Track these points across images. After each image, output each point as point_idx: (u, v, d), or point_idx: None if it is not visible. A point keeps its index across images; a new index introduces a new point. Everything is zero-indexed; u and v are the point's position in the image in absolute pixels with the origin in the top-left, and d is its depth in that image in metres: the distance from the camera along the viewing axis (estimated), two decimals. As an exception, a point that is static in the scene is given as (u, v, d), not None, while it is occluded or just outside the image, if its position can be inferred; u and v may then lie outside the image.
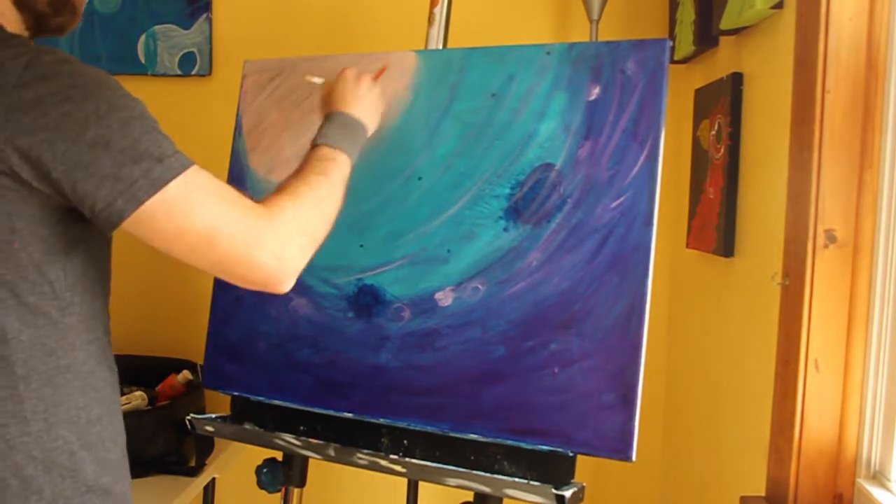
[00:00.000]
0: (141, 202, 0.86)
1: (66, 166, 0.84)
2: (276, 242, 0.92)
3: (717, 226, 1.46)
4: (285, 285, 0.95)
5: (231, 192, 0.93)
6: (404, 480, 1.53)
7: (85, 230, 0.92)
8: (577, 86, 1.19)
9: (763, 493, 1.18)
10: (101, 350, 0.98)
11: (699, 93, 1.61)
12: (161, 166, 0.87)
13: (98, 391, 0.96)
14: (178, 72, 1.96)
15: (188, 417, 1.40)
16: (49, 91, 0.85)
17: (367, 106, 1.22)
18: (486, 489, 1.14)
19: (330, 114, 1.19)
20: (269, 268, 0.92)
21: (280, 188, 1.01)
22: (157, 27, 1.96)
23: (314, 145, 1.13)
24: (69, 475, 0.91)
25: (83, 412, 0.93)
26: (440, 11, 1.43)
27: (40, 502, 0.89)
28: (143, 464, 1.59)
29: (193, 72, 1.95)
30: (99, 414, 0.95)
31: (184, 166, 0.90)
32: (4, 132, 0.83)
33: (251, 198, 0.95)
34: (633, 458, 1.08)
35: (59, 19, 0.98)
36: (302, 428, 1.32)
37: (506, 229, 1.20)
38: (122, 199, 0.85)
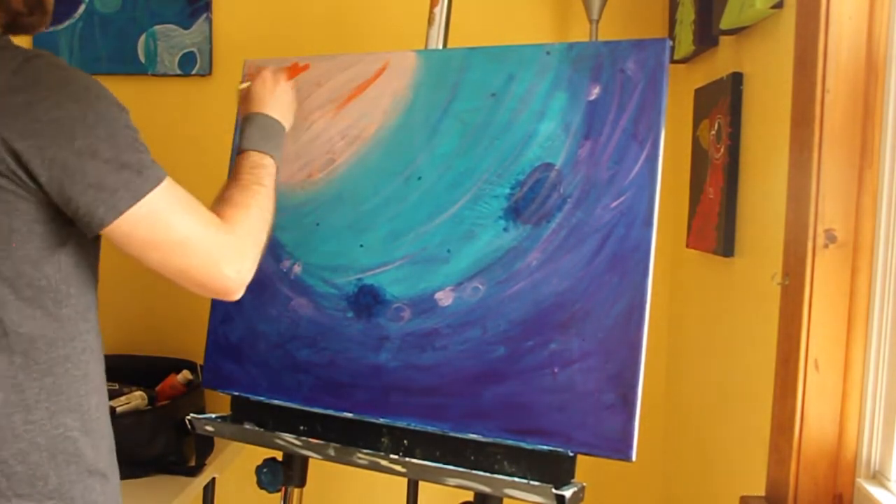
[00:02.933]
0: (121, 212, 0.90)
1: (52, 172, 0.87)
2: (237, 256, 0.99)
3: (717, 226, 1.46)
4: (238, 296, 1.02)
5: (200, 206, 0.99)
6: (404, 480, 1.53)
7: (76, 227, 0.95)
8: (577, 86, 1.19)
9: (763, 493, 1.18)
10: (95, 339, 1.02)
11: (699, 93, 1.61)
12: (141, 178, 0.92)
13: (94, 380, 1.00)
14: (178, 72, 1.96)
15: (188, 417, 1.40)
16: (40, 97, 0.87)
17: (282, 105, 1.28)
18: (486, 489, 1.14)
19: (250, 115, 1.24)
20: (231, 280, 0.99)
21: (226, 200, 1.07)
22: (157, 27, 1.96)
23: (242, 150, 1.19)
24: (73, 461, 0.95)
25: (84, 400, 0.97)
26: (440, 11, 1.43)
27: (46, 487, 0.93)
28: (143, 464, 1.59)
29: (193, 72, 1.95)
30: (96, 402, 0.99)
31: (160, 179, 0.94)
32: (0, 134, 0.86)
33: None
34: (633, 458, 1.08)
35: (32, 19, 1.00)
36: (302, 428, 1.32)
37: (506, 229, 1.20)
38: (103, 208, 0.89)
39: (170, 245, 0.94)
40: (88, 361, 0.99)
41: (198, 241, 0.96)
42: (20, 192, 0.88)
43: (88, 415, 0.97)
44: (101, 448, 0.99)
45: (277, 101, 1.27)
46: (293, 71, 1.41)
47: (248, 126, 1.22)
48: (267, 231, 1.10)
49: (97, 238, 1.01)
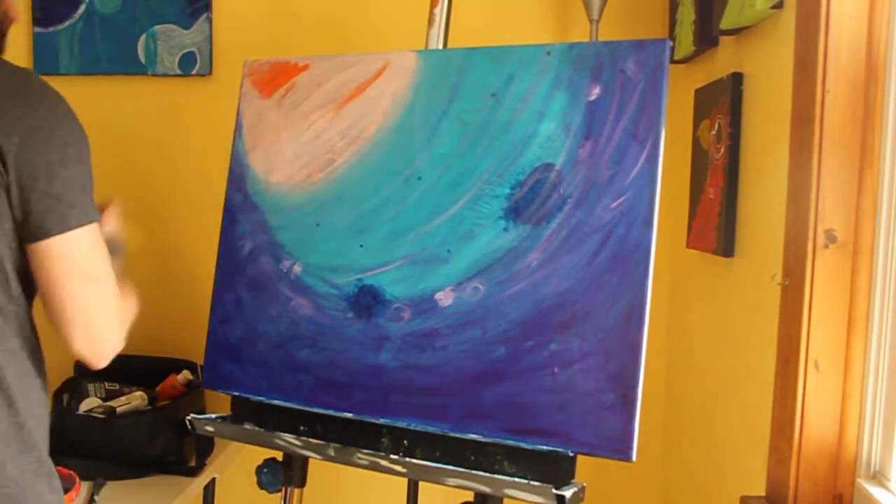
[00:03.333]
0: (70, 227, 0.95)
1: (21, 171, 0.92)
2: (115, 349, 1.05)
3: (717, 226, 1.46)
4: (101, 366, 1.06)
5: (111, 275, 1.04)
6: (404, 480, 1.53)
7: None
8: (577, 86, 1.19)
9: (763, 493, 1.18)
10: (37, 339, 1.06)
11: (699, 93, 1.61)
12: (91, 206, 0.98)
13: (41, 377, 1.05)
14: (178, 72, 1.96)
15: (188, 417, 1.40)
16: (32, 103, 0.94)
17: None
18: (486, 489, 1.14)
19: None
20: (102, 361, 1.04)
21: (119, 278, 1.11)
22: (157, 27, 1.96)
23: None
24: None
25: (41, 393, 1.04)
26: (440, 12, 1.43)
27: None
28: (143, 464, 1.59)
29: (193, 72, 1.95)
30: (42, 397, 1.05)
31: (93, 219, 0.99)
32: None
33: None
34: (634, 458, 1.08)
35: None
36: (302, 428, 1.32)
37: (506, 229, 1.20)
38: (54, 218, 0.94)
39: (85, 279, 0.98)
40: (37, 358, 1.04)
41: (110, 291, 1.01)
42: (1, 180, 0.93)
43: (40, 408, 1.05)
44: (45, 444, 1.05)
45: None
46: (293, 71, 1.42)
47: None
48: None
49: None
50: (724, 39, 1.51)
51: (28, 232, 0.94)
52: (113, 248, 1.24)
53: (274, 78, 1.42)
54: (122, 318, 1.07)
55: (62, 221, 0.94)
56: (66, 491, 1.43)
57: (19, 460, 0.98)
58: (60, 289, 0.97)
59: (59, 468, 1.49)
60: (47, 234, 0.94)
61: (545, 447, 1.13)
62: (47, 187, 0.93)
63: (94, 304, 1.00)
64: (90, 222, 0.96)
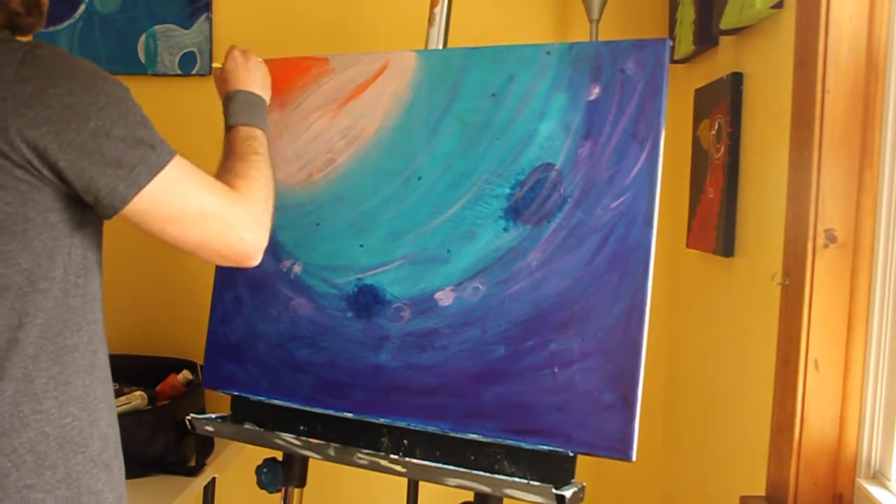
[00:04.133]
0: (141, 187, 0.92)
1: (71, 156, 0.89)
2: (253, 223, 1.02)
3: (717, 226, 1.46)
4: (258, 261, 1.04)
5: (211, 178, 1.02)
6: (404, 480, 1.53)
7: (86, 215, 0.97)
8: (577, 86, 1.19)
9: (763, 493, 1.18)
10: (101, 329, 1.03)
11: (699, 93, 1.61)
12: (155, 153, 0.94)
13: (101, 370, 1.01)
14: (178, 72, 1.96)
15: (188, 417, 1.41)
16: (50, 85, 0.89)
17: (258, 79, 1.33)
18: (486, 489, 1.14)
19: (230, 93, 1.28)
20: (250, 246, 1.02)
21: (231, 171, 1.10)
22: (157, 27, 1.96)
23: (231, 126, 1.23)
24: (80, 450, 0.96)
25: (90, 389, 0.98)
26: (440, 11, 1.43)
27: (54, 477, 0.94)
28: (143, 464, 1.59)
29: (193, 72, 1.95)
30: (103, 392, 1.00)
31: (172, 153, 0.97)
32: (14, 125, 0.87)
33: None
34: (633, 458, 1.08)
35: (30, 19, 1.02)
36: (302, 428, 1.32)
37: (506, 229, 1.20)
38: (123, 185, 0.91)
39: (188, 217, 0.97)
40: (95, 352, 1.00)
41: (214, 210, 0.99)
42: (35, 181, 0.90)
43: (94, 405, 0.98)
44: (107, 439, 1.00)
45: (253, 77, 1.31)
46: (293, 71, 1.42)
47: (231, 104, 1.26)
48: (273, 196, 1.13)
49: (101, 229, 1.03)
50: (724, 39, 1.52)
51: (110, 208, 0.92)
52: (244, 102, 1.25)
53: (274, 78, 1.42)
54: (250, 208, 1.03)
55: (134, 184, 0.92)
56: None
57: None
58: (167, 236, 0.97)
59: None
60: (124, 201, 0.92)
61: (545, 447, 1.13)
62: (102, 159, 0.90)
63: (205, 230, 0.98)
64: (161, 168, 0.93)
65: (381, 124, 1.32)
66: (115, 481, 1.01)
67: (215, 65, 1.39)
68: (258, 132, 1.22)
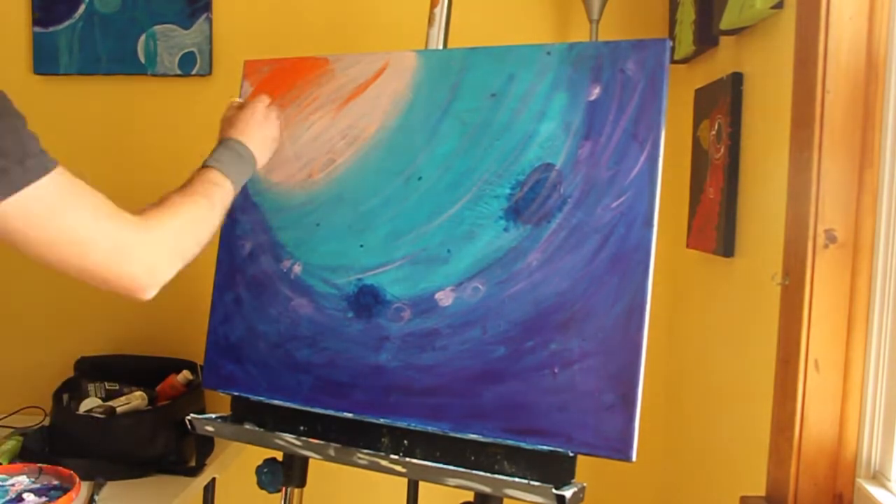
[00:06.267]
0: (7, 195, 0.85)
1: None
2: (147, 254, 0.96)
3: (717, 226, 1.46)
4: (148, 294, 0.98)
5: (102, 201, 0.94)
6: (404, 480, 1.53)
7: None
8: (577, 86, 1.19)
9: (763, 493, 1.18)
10: None
11: (699, 93, 1.61)
12: (22, 168, 0.86)
13: None
14: (178, 72, 1.96)
15: (188, 417, 1.40)
16: None
17: (261, 139, 1.29)
18: (486, 489, 1.14)
19: (226, 139, 1.25)
20: (137, 278, 0.95)
21: (159, 201, 1.04)
22: (157, 27, 1.96)
23: (204, 166, 1.18)
24: None
25: None
26: (440, 11, 1.43)
27: None
28: (143, 464, 1.59)
29: (193, 72, 1.95)
30: None
31: (47, 169, 0.88)
32: None
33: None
34: (634, 458, 1.08)
35: None
36: (302, 428, 1.32)
37: (506, 229, 1.20)
38: None
39: (63, 241, 0.89)
40: None
41: (95, 235, 0.91)
42: None
43: None
44: None
45: (259, 135, 1.28)
46: (293, 71, 1.41)
47: (221, 148, 1.23)
48: (197, 241, 1.07)
49: None
50: (724, 39, 1.52)
51: None
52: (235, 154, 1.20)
53: (274, 78, 1.42)
54: (147, 239, 0.96)
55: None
56: (66, 491, 1.43)
57: None
58: (46, 260, 0.90)
59: (59, 468, 1.49)
60: None
61: (545, 447, 1.13)
62: None
63: (84, 257, 0.90)
64: (25, 185, 0.85)
65: (381, 124, 1.32)
66: None
67: (235, 101, 1.36)
68: (226, 183, 1.17)
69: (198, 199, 1.09)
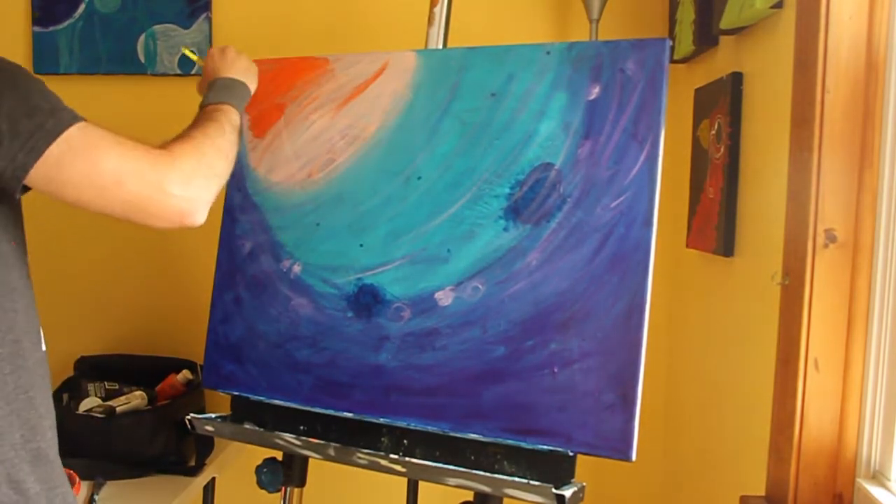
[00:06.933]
0: (41, 152, 0.89)
1: None
2: (181, 177, 0.98)
3: (717, 225, 1.46)
4: (197, 218, 1.01)
5: (128, 139, 0.97)
6: (404, 480, 1.53)
7: None
8: (576, 85, 1.19)
9: (763, 493, 1.18)
10: (24, 319, 0.98)
11: (699, 92, 1.61)
12: (54, 118, 0.91)
13: (23, 359, 0.97)
14: (178, 72, 1.96)
15: (188, 417, 1.40)
16: None
17: (239, 67, 1.34)
18: (486, 489, 1.14)
19: (209, 82, 1.30)
20: (179, 201, 0.98)
21: (177, 136, 1.08)
22: (157, 27, 1.96)
23: (201, 107, 1.24)
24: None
25: (9, 379, 0.95)
26: (440, 11, 1.43)
27: None
28: (142, 463, 1.59)
29: (193, 71, 1.95)
30: (28, 381, 0.97)
31: (76, 118, 0.93)
32: None
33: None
34: (633, 457, 1.08)
35: None
36: (302, 428, 1.32)
37: (506, 229, 1.20)
38: (22, 153, 0.89)
39: (101, 178, 0.93)
40: (17, 340, 0.96)
41: (130, 167, 0.94)
42: None
43: (14, 395, 0.95)
44: (36, 429, 0.98)
45: (231, 65, 1.33)
46: (293, 70, 1.42)
47: (207, 91, 1.28)
48: (221, 156, 1.11)
49: (14, 217, 0.99)
50: (723, 39, 1.51)
51: (9, 180, 0.89)
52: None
53: (274, 78, 1.42)
54: (177, 162, 0.99)
55: (33, 150, 0.88)
56: (66, 491, 1.43)
57: None
58: (88, 203, 0.94)
59: (59, 468, 1.49)
60: (24, 170, 0.89)
61: (545, 447, 1.13)
62: None
63: (124, 189, 0.93)
64: (62, 132, 0.90)
65: (381, 124, 1.32)
66: (45, 472, 0.98)
67: (186, 50, 1.44)
68: (225, 106, 1.22)
69: (204, 123, 1.15)
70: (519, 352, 1.16)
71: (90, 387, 1.76)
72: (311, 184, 1.37)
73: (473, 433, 1.18)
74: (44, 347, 1.04)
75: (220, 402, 1.56)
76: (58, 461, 1.03)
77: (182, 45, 1.43)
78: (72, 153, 0.91)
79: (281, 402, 1.34)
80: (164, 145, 1.03)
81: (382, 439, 1.26)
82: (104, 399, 1.72)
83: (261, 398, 1.36)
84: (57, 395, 1.71)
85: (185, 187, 0.98)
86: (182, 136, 1.09)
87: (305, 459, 1.42)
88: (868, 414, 1.07)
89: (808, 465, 1.08)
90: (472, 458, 1.19)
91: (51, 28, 1.97)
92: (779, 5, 1.22)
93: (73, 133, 0.91)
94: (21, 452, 0.95)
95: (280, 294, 1.36)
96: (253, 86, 1.36)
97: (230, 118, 1.21)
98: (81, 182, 0.93)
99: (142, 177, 0.95)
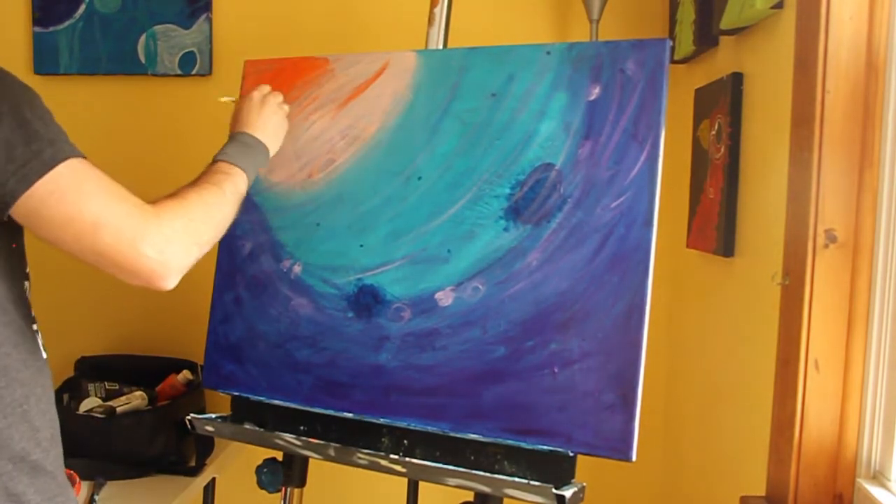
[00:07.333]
0: (32, 182, 0.88)
1: None
2: (160, 239, 0.96)
3: (717, 226, 1.46)
4: (168, 282, 0.98)
5: (119, 188, 0.96)
6: (404, 480, 1.53)
7: None
8: (577, 86, 1.19)
9: (763, 493, 1.18)
10: (14, 333, 0.97)
11: (699, 93, 1.61)
12: (52, 149, 0.90)
13: (17, 372, 0.96)
14: (178, 72, 1.96)
15: (188, 417, 1.40)
16: None
17: (269, 128, 1.30)
18: (486, 489, 1.14)
19: (233, 133, 1.27)
20: (151, 263, 0.95)
21: (175, 193, 1.05)
22: (157, 27, 1.96)
23: (214, 160, 1.20)
24: None
25: (4, 393, 0.94)
26: (440, 11, 1.43)
27: None
28: (143, 464, 1.59)
29: (193, 72, 1.95)
30: (23, 395, 0.96)
31: (73, 153, 0.92)
32: None
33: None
34: (633, 458, 1.08)
35: None
36: (302, 428, 1.32)
37: (506, 229, 1.20)
38: (14, 180, 0.88)
39: (81, 222, 0.91)
40: (7, 354, 0.95)
41: (111, 218, 0.93)
42: None
43: (11, 408, 0.95)
44: (38, 441, 0.98)
45: (263, 123, 1.29)
46: (293, 71, 1.42)
47: (228, 142, 1.25)
48: (212, 226, 1.08)
49: (10, 235, 0.99)
50: (724, 39, 1.51)
51: (1, 204, 0.89)
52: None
53: (274, 78, 1.42)
54: (160, 223, 0.97)
55: (24, 179, 0.87)
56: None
57: None
58: (62, 242, 0.92)
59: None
60: (13, 197, 0.88)
61: (545, 447, 1.13)
62: None
63: (99, 239, 0.92)
64: (56, 165, 0.89)
65: (381, 124, 1.32)
66: (43, 483, 0.97)
67: (222, 99, 1.38)
68: (235, 171, 1.18)
69: (206, 186, 1.12)
70: (519, 352, 1.16)
71: (90, 387, 1.76)
72: (312, 184, 1.37)
73: (473, 433, 1.18)
74: (44, 355, 1.03)
75: (220, 403, 1.56)
76: (59, 470, 1.02)
77: (218, 97, 1.41)
78: (59, 193, 0.90)
79: (281, 402, 1.34)
80: (157, 201, 1.00)
81: (382, 439, 1.26)
82: (104, 399, 1.73)
83: (261, 398, 1.36)
84: (57, 396, 1.70)
85: (160, 251, 0.95)
86: (178, 193, 1.06)
87: (305, 459, 1.42)
88: (868, 414, 1.07)
89: (809, 466, 1.08)
90: (472, 458, 1.19)
91: (51, 28, 1.97)
92: (779, 5, 1.22)
93: (66, 168, 0.90)
94: (19, 465, 0.95)
95: (280, 294, 1.36)
96: (275, 149, 1.32)
97: (236, 186, 1.17)
98: (62, 223, 0.91)
99: (119, 231, 0.93)
